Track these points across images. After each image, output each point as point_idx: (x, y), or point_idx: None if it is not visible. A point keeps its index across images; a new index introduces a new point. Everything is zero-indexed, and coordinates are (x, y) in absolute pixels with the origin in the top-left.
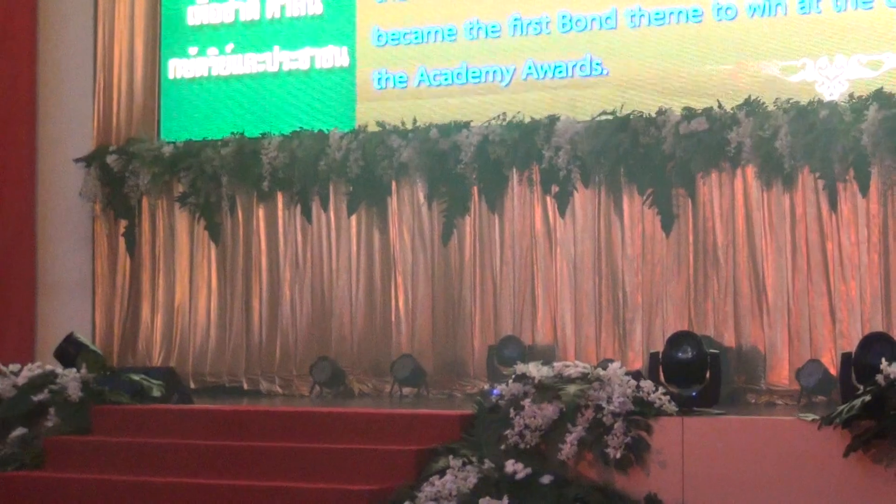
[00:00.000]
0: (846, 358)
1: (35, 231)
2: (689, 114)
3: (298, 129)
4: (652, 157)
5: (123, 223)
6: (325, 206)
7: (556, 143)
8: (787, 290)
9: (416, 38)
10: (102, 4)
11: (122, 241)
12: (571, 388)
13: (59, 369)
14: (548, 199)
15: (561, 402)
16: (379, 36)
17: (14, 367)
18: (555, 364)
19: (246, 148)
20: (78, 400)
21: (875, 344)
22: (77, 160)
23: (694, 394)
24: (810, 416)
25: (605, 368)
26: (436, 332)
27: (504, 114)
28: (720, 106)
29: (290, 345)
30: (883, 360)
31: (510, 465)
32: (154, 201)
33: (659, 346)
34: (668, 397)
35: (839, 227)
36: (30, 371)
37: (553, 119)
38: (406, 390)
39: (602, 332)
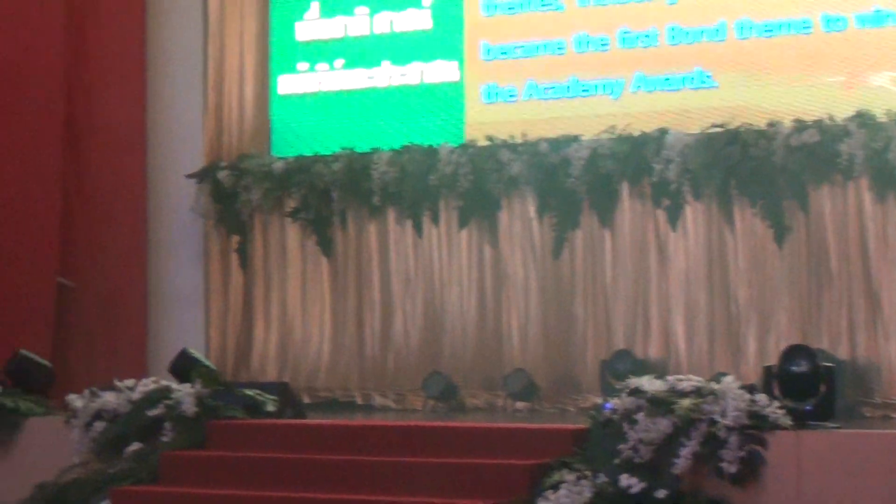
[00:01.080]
0: None
1: (147, 247)
2: (799, 126)
3: (408, 145)
4: (763, 169)
5: (236, 239)
6: (435, 221)
7: (666, 156)
8: None
9: (525, 51)
10: (213, 23)
11: (234, 256)
12: (685, 402)
13: (174, 384)
14: (658, 212)
15: (675, 416)
16: (488, 50)
17: (129, 382)
18: (668, 378)
19: (356, 163)
20: (193, 415)
21: None
22: (189, 176)
23: (809, 407)
24: None
25: (718, 382)
26: (548, 345)
27: (613, 127)
28: (831, 118)
29: (403, 359)
30: None
31: (625, 480)
32: (266, 217)
33: (773, 360)
34: (783, 411)
35: None
36: (145, 386)
37: (663, 132)
38: (519, 404)
39: (715, 346)
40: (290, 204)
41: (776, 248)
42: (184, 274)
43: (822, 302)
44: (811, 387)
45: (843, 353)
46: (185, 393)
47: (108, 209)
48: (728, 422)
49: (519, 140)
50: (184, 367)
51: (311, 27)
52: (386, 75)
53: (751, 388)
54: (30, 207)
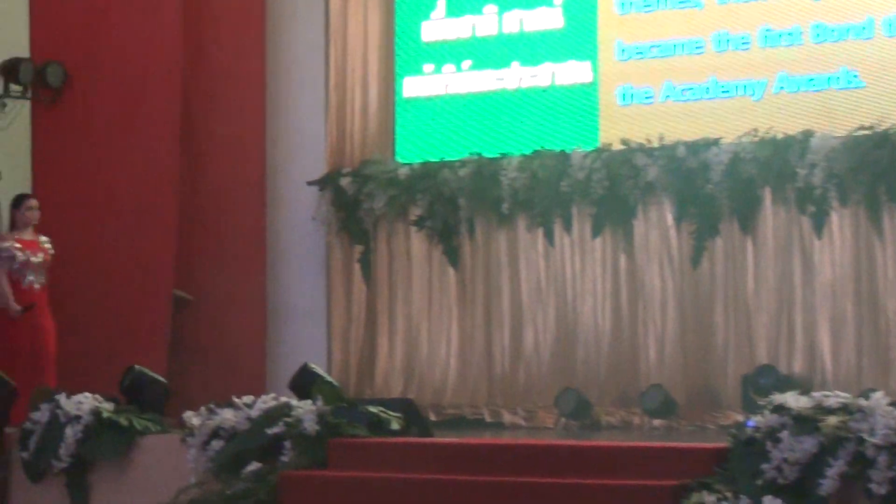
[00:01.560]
0: None
1: (266, 258)
2: None
3: (539, 149)
4: None
5: (359, 248)
6: (567, 229)
7: (811, 161)
8: None
9: (662, 51)
10: (334, 23)
11: (356, 266)
12: (832, 420)
13: (295, 401)
14: (803, 219)
15: (821, 435)
16: (622, 50)
17: (247, 399)
18: (814, 394)
19: (484, 169)
20: (314, 433)
21: None
22: (310, 183)
23: None
24: None
25: (867, 398)
26: (686, 360)
27: (755, 130)
28: None
29: (534, 374)
30: None
31: (768, 501)
32: (390, 225)
33: None
34: None
35: None
36: (264, 403)
37: (808, 135)
38: (656, 422)
39: (863, 360)
40: (416, 212)
41: None
42: (304, 285)
43: None
44: None
45: None
46: (306, 410)
47: (226, 218)
48: (877, 440)
49: (655, 144)
50: (304, 383)
51: (437, 27)
52: (515, 77)
53: None
54: (146, 217)
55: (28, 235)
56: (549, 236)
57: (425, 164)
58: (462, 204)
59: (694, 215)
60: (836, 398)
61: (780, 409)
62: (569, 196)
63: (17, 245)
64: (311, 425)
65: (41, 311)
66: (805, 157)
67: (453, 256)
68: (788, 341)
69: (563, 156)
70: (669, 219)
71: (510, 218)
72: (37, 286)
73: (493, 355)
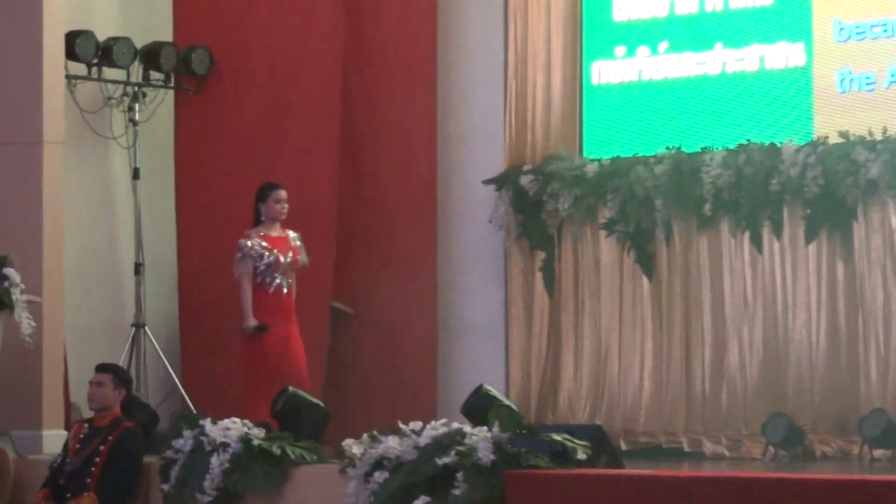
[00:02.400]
0: None
1: (437, 266)
2: None
3: (745, 143)
4: None
5: (541, 255)
6: (777, 233)
7: None
8: None
9: (886, 30)
10: (513, 1)
11: (538, 275)
12: None
13: (468, 428)
14: None
15: None
16: (841, 29)
17: (415, 425)
18: None
19: (683, 165)
20: (490, 464)
21: None
22: (486, 182)
23: None
24: None
25: None
26: None
27: None
28: None
29: (739, 398)
30: None
31: None
32: (576, 229)
33: None
34: None
35: None
36: (434, 430)
37: None
38: (878, 452)
39: None
40: (605, 214)
41: None
42: (480, 297)
43: None
44: None
45: None
46: (482, 438)
47: (391, 222)
48: None
49: (878, 136)
50: (480, 408)
51: (630, 4)
52: (719, 60)
53: None
54: (301, 221)
55: (276, 232)
56: (756, 241)
57: (616, 159)
58: (658, 205)
59: None
60: None
61: None
62: (779, 195)
63: (264, 243)
64: (486, 455)
65: (287, 320)
66: None
67: (648, 265)
68: None
69: (773, 150)
70: (894, 221)
71: (712, 221)
72: (285, 291)
73: (692, 376)
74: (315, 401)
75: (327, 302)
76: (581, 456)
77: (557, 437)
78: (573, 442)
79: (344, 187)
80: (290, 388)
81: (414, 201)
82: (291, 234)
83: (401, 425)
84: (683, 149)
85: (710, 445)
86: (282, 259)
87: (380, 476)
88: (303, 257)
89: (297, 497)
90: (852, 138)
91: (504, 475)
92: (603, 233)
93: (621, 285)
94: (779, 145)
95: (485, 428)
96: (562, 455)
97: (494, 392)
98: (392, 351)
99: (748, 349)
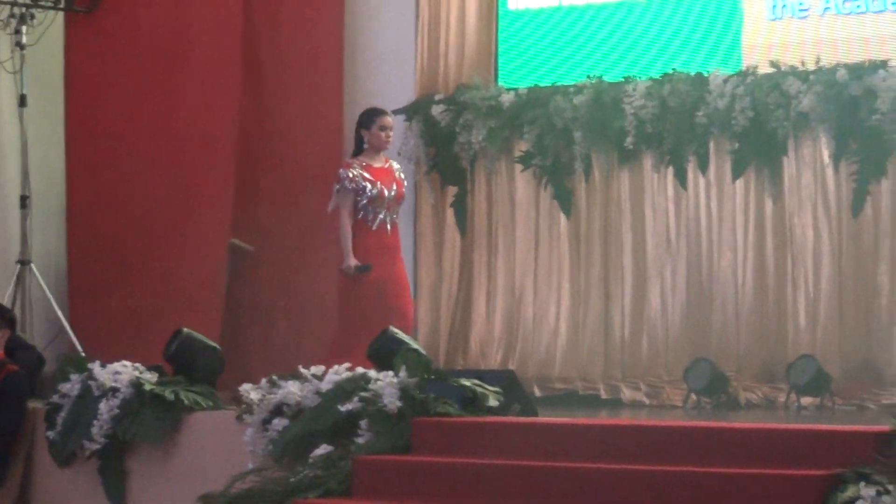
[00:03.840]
0: None
1: None
2: None
3: (670, 72)
4: None
5: (452, 191)
6: (703, 169)
7: None
8: None
9: None
10: None
11: (450, 212)
12: None
13: (373, 373)
14: None
15: None
16: None
17: (317, 369)
18: None
19: (605, 95)
20: (396, 411)
21: None
22: (395, 112)
23: None
24: None
25: None
26: (844, 326)
27: None
28: None
29: (660, 342)
30: None
31: None
32: (490, 163)
33: None
34: None
35: None
36: (336, 375)
37: None
38: (805, 400)
39: None
40: (521, 147)
41: None
42: None
43: None
44: None
45: None
46: (387, 383)
47: (295, 154)
48: None
49: (811, 66)
50: (385, 351)
51: None
52: None
53: None
54: (201, 156)
55: (379, 162)
56: (680, 177)
57: (533, 89)
58: (577, 138)
59: (856, 153)
60: None
61: None
62: (705, 129)
63: (367, 175)
64: (392, 401)
65: (393, 260)
66: None
67: (565, 201)
68: None
69: (700, 80)
70: (826, 157)
71: (634, 155)
72: (389, 228)
73: (611, 319)
74: (211, 343)
75: (225, 239)
76: (492, 403)
77: (468, 383)
78: (484, 388)
79: (246, 117)
80: (185, 330)
81: (320, 132)
82: (395, 165)
83: (301, 370)
84: (605, 78)
85: (628, 392)
86: (386, 192)
87: (279, 423)
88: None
89: (192, 445)
90: (783, 68)
91: (411, 423)
92: (518, 167)
93: (537, 223)
94: (706, 75)
95: (391, 373)
96: (472, 402)
97: (401, 335)
98: (294, 291)
99: (670, 291)
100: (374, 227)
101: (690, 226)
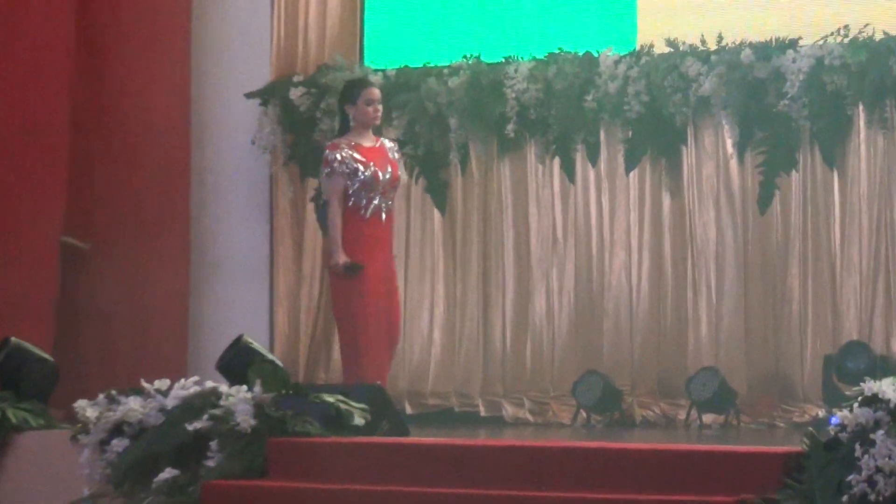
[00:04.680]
0: None
1: (189, 193)
2: None
3: (556, 52)
4: None
5: (313, 184)
6: (592, 160)
7: None
8: None
9: None
10: None
11: (310, 207)
12: None
13: (224, 387)
14: None
15: None
16: None
17: (161, 383)
18: None
19: (483, 77)
20: (249, 430)
21: None
22: (249, 95)
23: None
24: None
25: None
26: (750, 336)
27: (846, 27)
28: None
29: (545, 354)
30: None
31: None
32: None
33: None
34: None
35: None
36: (183, 389)
37: None
38: (707, 418)
39: None
40: (390, 135)
41: None
42: (240, 232)
43: None
44: None
45: None
46: (240, 399)
47: (135, 142)
48: None
49: (713, 45)
50: (238, 364)
51: None
52: None
53: None
54: (31, 146)
55: (369, 141)
56: (567, 169)
57: (403, 70)
58: (452, 125)
59: (762, 142)
60: None
61: (873, 400)
62: (595, 115)
63: (358, 155)
64: (245, 419)
65: (388, 254)
66: None
67: (440, 195)
68: (886, 310)
69: (589, 60)
70: (729, 146)
71: (517, 144)
72: (384, 217)
73: (491, 328)
74: (42, 354)
75: (57, 236)
76: (358, 421)
77: (330, 399)
78: (349, 405)
79: (80, 101)
80: (13, 339)
81: (163, 118)
82: (388, 143)
83: (144, 384)
84: (483, 58)
85: (511, 409)
86: (381, 175)
87: (118, 444)
88: (403, 173)
89: (20, 468)
90: (682, 47)
91: (267, 443)
92: None
93: (408, 219)
94: (596, 55)
95: (244, 387)
96: (335, 420)
97: (256, 345)
98: (135, 295)
99: (557, 296)
100: (367, 216)
101: (579, 223)
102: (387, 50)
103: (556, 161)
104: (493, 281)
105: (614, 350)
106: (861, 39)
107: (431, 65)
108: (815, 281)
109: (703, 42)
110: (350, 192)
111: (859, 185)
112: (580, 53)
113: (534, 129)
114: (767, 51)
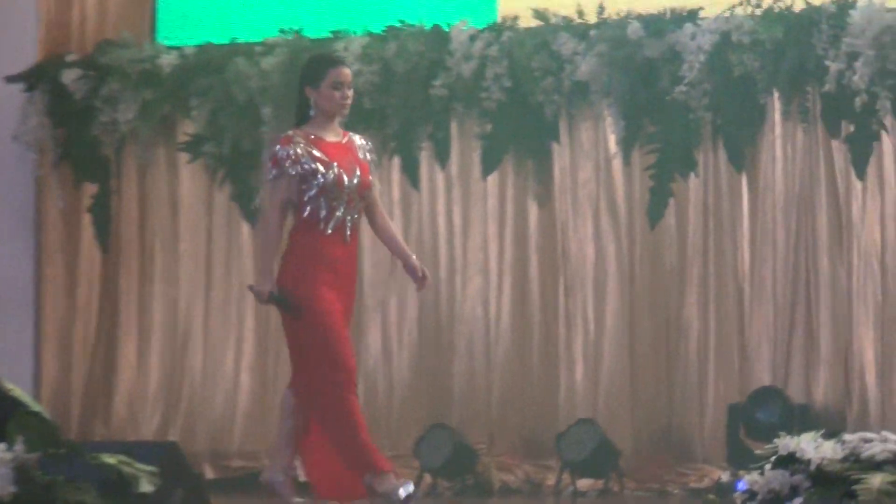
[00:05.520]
0: None
1: None
2: None
3: (396, 25)
4: None
5: (90, 189)
6: (441, 160)
7: (849, 47)
8: None
9: None
10: None
11: (87, 219)
12: (876, 480)
13: None
14: (835, 146)
15: None
16: None
17: None
18: (846, 437)
19: (305, 57)
20: (10, 498)
21: None
22: (9, 80)
23: None
24: None
25: None
26: (637, 381)
27: None
28: None
29: (381, 403)
30: None
31: None
32: (144, 151)
33: None
34: None
35: None
36: None
37: (845, 3)
38: (583, 483)
39: None
40: (188, 128)
41: None
42: None
43: None
44: None
45: None
46: None
47: None
48: None
49: (592, 18)
50: None
51: None
52: None
53: None
54: None
55: (334, 136)
56: (410, 172)
57: (205, 48)
58: (266, 115)
59: (654, 138)
60: (883, 444)
61: (789, 461)
62: (445, 104)
63: (318, 152)
64: (4, 486)
65: (350, 281)
66: (840, 42)
67: (246, 202)
68: (805, 351)
69: (438, 36)
70: (612, 144)
71: None
72: (348, 232)
73: None
74: None
75: None
76: (146, 488)
77: (111, 460)
78: (134, 467)
79: None
80: None
81: None
82: (358, 140)
83: None
84: (305, 33)
85: None
86: (346, 179)
87: None
88: (375, 180)
89: None
90: (554, 20)
91: None
92: (184, 156)
93: (210, 234)
94: (446, 29)
95: (2, 446)
96: (117, 486)
97: (18, 392)
98: None
99: (396, 330)
100: (328, 231)
101: (424, 239)
102: (184, 23)
103: (396, 161)
104: None
105: (467, 398)
106: (777, 11)
107: (240, 41)
108: (719, 312)
109: (581, 14)
110: (305, 198)
111: (773, 191)
112: (426, 27)
113: (368, 121)
114: (660, 24)
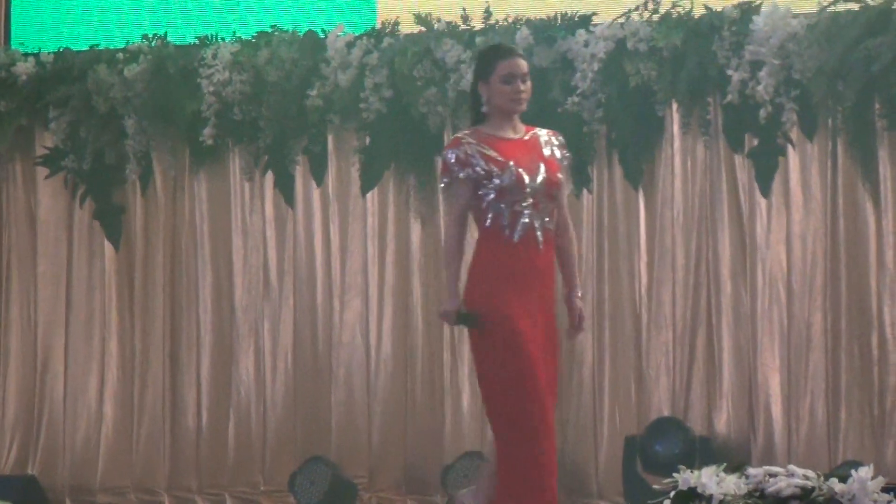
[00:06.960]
0: None
1: None
2: None
3: (267, 31)
4: None
5: None
6: (318, 177)
7: (752, 55)
8: None
9: None
10: None
11: None
12: None
13: None
14: (738, 160)
15: None
16: None
17: None
18: (751, 470)
19: (171, 64)
20: None
21: None
22: None
23: None
24: None
25: (844, 478)
26: None
27: (656, 1)
28: None
29: (254, 434)
30: None
31: None
32: None
33: None
34: None
35: None
36: None
37: (748, 8)
38: None
39: (843, 414)
40: (46, 142)
41: None
42: None
43: None
44: None
45: None
46: None
47: None
48: None
49: (478, 23)
50: None
51: None
52: None
53: None
54: None
55: (512, 132)
56: (284, 188)
57: (63, 54)
58: (130, 127)
59: None
60: (789, 478)
61: (690, 497)
62: (321, 116)
63: (491, 152)
64: None
65: (544, 291)
66: (742, 50)
67: (113, 223)
68: (707, 379)
69: (313, 42)
70: None
71: (216, 154)
72: (540, 238)
73: (180, 398)
74: None
75: None
76: None
77: None
78: None
79: None
80: None
81: None
82: (544, 135)
83: None
84: (171, 38)
85: None
86: (527, 178)
87: None
88: (567, 178)
89: None
90: (437, 26)
91: None
92: (42, 171)
93: (70, 254)
94: (322, 35)
95: None
96: None
97: None
98: None
99: (270, 357)
100: (514, 238)
101: (299, 260)
102: (41, 28)
103: (269, 177)
104: (183, 336)
105: (346, 430)
106: (675, 17)
107: (101, 47)
108: (614, 338)
109: (466, 19)
110: (484, 204)
111: (672, 209)
112: (300, 33)
113: (239, 133)
114: (551, 30)
